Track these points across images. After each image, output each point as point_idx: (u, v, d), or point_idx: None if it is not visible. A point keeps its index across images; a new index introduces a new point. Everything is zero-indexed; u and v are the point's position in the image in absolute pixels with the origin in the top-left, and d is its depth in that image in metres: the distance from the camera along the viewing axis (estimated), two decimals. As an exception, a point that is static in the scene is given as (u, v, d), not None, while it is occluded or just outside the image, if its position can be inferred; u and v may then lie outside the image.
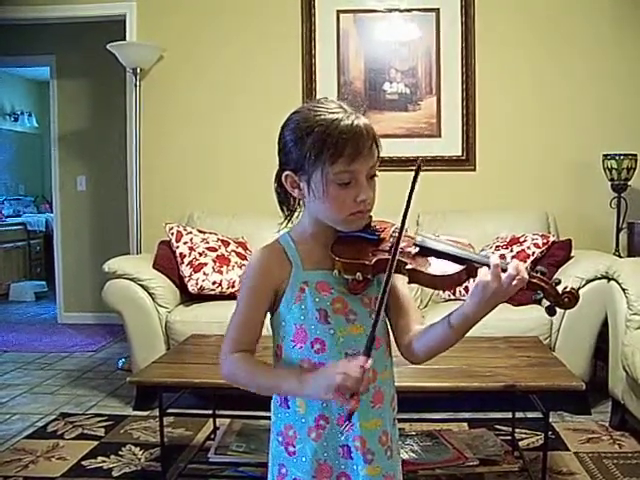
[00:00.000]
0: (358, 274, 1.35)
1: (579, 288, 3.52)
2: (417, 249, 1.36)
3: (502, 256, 3.77)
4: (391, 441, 1.44)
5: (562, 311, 1.34)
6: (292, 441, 1.41)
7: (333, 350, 1.36)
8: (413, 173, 1.32)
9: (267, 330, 1.45)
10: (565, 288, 1.29)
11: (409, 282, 1.36)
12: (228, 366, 1.40)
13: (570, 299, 1.28)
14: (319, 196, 1.34)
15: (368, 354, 1.24)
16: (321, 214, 1.39)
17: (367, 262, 1.35)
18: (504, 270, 1.25)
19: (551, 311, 1.30)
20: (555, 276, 3.69)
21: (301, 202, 1.45)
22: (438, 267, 1.33)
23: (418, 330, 1.42)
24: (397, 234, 1.34)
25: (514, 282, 1.24)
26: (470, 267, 1.31)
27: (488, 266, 1.27)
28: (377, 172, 1.38)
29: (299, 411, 1.40)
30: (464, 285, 3.78)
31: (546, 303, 1.32)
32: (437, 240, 1.38)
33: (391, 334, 1.47)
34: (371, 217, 1.42)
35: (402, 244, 1.33)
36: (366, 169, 1.34)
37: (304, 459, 1.39)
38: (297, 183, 1.38)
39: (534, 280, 1.27)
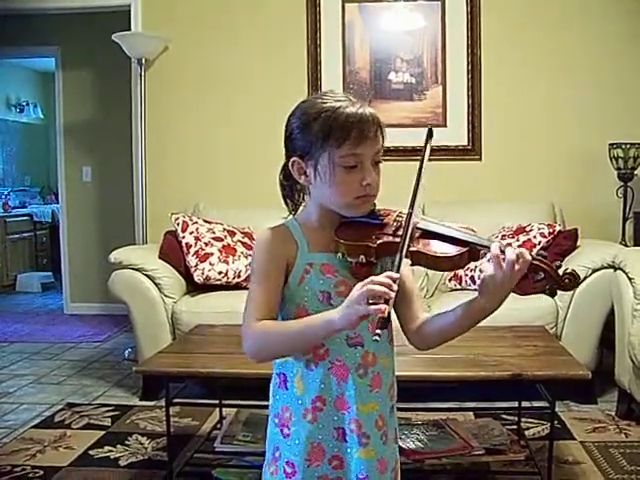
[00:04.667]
0: (362, 257, 1.36)
1: (585, 277, 3.52)
2: (419, 232, 1.38)
3: (509, 245, 3.76)
4: (387, 427, 1.45)
5: (568, 298, 1.35)
6: (287, 423, 1.42)
7: None
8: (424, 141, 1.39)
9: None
10: (566, 269, 1.31)
11: (412, 264, 1.37)
12: (252, 338, 1.37)
13: (571, 280, 1.30)
14: (325, 180, 1.37)
15: (397, 270, 1.26)
16: (327, 199, 1.41)
17: (371, 244, 1.36)
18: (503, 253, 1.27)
19: (552, 292, 1.32)
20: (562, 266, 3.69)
21: (305, 196, 1.47)
22: (440, 249, 1.34)
23: (427, 317, 1.45)
24: (402, 217, 1.37)
25: (517, 266, 1.25)
26: (472, 249, 1.33)
27: (489, 248, 1.28)
28: (381, 159, 1.41)
29: (297, 392, 1.41)
30: (470, 273, 3.80)
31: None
32: (439, 224, 1.40)
33: (395, 322, 1.48)
34: (375, 204, 1.44)
35: (413, 215, 1.35)
36: (371, 154, 1.37)
37: (297, 441, 1.40)
38: (304, 169, 1.41)
39: (535, 262, 1.28)
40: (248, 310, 1.39)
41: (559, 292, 1.32)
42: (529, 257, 1.26)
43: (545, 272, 1.29)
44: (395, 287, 1.21)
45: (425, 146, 1.38)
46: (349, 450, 1.40)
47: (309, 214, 1.46)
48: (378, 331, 1.20)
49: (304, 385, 1.40)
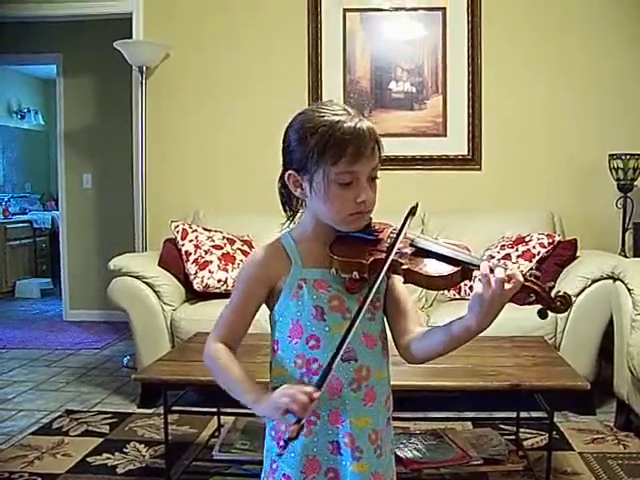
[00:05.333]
0: (355, 273, 1.37)
1: (584, 288, 3.52)
2: (413, 249, 1.38)
3: (507, 255, 3.76)
4: (382, 440, 1.45)
5: (559, 314, 1.32)
6: (283, 436, 1.40)
7: (327, 347, 1.37)
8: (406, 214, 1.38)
9: (267, 327, 1.47)
10: (558, 292, 1.29)
11: (404, 282, 1.37)
12: (207, 356, 1.45)
13: (562, 303, 1.28)
14: (320, 196, 1.37)
15: (320, 385, 1.27)
16: (322, 214, 1.41)
17: (364, 261, 1.36)
18: (492, 272, 1.26)
19: (543, 315, 1.29)
20: (560, 276, 3.69)
21: (303, 203, 1.47)
22: (433, 268, 1.34)
23: (418, 332, 1.44)
24: (394, 236, 1.36)
25: (508, 285, 1.23)
26: (464, 269, 1.33)
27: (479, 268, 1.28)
28: (378, 174, 1.41)
29: None
30: (469, 283, 3.79)
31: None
32: (433, 242, 1.40)
33: (389, 334, 1.49)
34: (371, 219, 1.44)
35: (399, 245, 1.35)
36: (367, 170, 1.37)
37: (293, 455, 1.40)
38: (299, 182, 1.41)
39: (527, 283, 1.27)
40: (218, 322, 1.47)
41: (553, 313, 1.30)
42: (521, 279, 1.25)
43: (537, 294, 1.27)
44: (312, 405, 1.24)
45: (405, 220, 1.37)
46: (344, 463, 1.40)
47: (305, 227, 1.47)
48: (281, 450, 1.32)
49: None
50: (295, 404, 1.23)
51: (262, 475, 1.49)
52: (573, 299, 1.29)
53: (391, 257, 1.33)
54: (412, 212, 1.38)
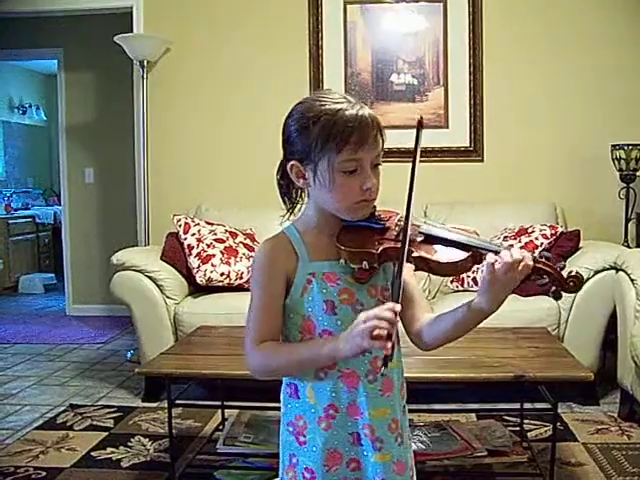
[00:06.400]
0: (364, 263, 1.35)
1: (587, 279, 3.52)
2: (422, 237, 1.36)
3: (509, 246, 3.76)
4: (401, 428, 1.45)
5: (570, 300, 1.32)
6: (302, 431, 1.42)
7: None
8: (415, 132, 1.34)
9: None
10: (570, 272, 1.29)
11: (415, 269, 1.35)
12: (256, 359, 1.38)
13: (575, 283, 1.28)
14: (325, 185, 1.35)
15: (397, 299, 1.25)
16: (327, 203, 1.40)
17: (373, 251, 1.35)
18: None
19: (557, 295, 1.30)
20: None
21: (303, 194, 1.46)
22: (444, 254, 1.33)
23: (428, 318, 1.44)
24: (404, 218, 1.34)
25: (519, 268, 1.23)
26: (475, 254, 1.32)
27: (494, 252, 1.27)
28: (381, 162, 1.39)
29: (309, 401, 1.41)
30: (472, 275, 3.79)
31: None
32: (442, 228, 1.38)
33: (399, 323, 1.48)
34: (375, 206, 1.43)
35: (408, 232, 1.33)
36: (371, 157, 1.36)
37: (314, 449, 1.40)
38: (303, 173, 1.39)
39: (539, 265, 1.26)
40: (250, 329, 1.40)
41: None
42: (531, 262, 1.25)
43: (549, 275, 1.27)
44: (397, 319, 1.22)
45: (417, 140, 1.33)
46: (365, 453, 1.40)
47: (308, 219, 1.45)
48: (383, 370, 1.27)
49: (315, 394, 1.40)
50: (382, 321, 1.20)
51: (280, 470, 1.49)
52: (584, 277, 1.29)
53: (406, 245, 1.30)
54: (420, 124, 1.33)
